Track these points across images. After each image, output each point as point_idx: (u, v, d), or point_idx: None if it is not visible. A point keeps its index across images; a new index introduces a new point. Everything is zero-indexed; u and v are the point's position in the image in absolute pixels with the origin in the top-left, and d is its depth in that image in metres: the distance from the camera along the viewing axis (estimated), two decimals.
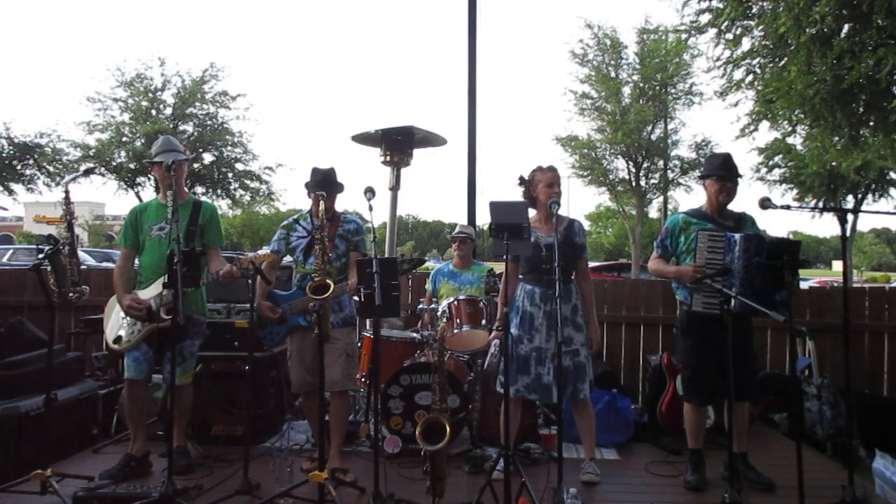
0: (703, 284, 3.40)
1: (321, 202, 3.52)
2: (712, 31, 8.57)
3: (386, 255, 5.04)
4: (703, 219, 3.64)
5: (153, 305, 3.58)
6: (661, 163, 22.13)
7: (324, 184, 3.69)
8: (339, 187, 3.80)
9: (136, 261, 3.81)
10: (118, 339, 3.63)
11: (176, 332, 3.25)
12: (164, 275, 3.49)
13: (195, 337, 3.76)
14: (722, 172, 3.59)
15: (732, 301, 3.20)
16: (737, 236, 3.39)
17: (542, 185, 3.66)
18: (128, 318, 3.61)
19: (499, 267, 3.70)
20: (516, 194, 3.75)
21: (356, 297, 3.42)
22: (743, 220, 3.67)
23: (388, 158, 5.55)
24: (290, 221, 3.90)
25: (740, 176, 3.68)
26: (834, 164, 16.33)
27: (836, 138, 8.95)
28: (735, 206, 3.70)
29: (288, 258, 3.92)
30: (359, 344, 4.19)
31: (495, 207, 3.14)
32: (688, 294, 3.58)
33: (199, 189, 20.97)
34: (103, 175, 19.80)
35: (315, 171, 3.78)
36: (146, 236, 3.74)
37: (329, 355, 3.50)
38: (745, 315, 3.47)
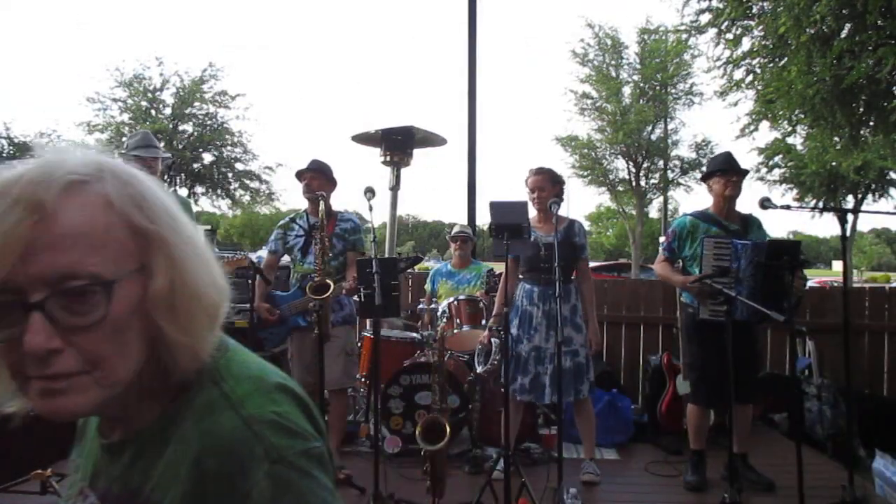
0: (708, 292, 3.37)
1: (321, 202, 3.51)
2: (712, 31, 8.58)
3: (386, 256, 5.04)
4: (710, 221, 3.61)
5: None
6: (661, 163, 22.11)
7: (315, 171, 3.72)
8: (328, 170, 3.81)
9: None
10: None
11: None
12: None
13: None
14: (725, 167, 3.60)
15: (738, 307, 3.19)
16: (744, 244, 3.34)
17: (527, 188, 3.72)
18: None
19: (499, 267, 3.70)
20: (516, 194, 3.77)
21: (356, 297, 3.42)
22: (750, 223, 3.64)
23: (388, 158, 5.53)
24: (287, 221, 3.90)
25: (746, 171, 3.67)
26: (834, 164, 16.34)
27: (836, 138, 8.95)
28: (738, 206, 3.70)
29: (286, 258, 3.92)
30: (359, 344, 4.18)
31: (495, 207, 3.14)
32: (693, 298, 3.57)
33: (199, 189, 20.97)
34: None
35: (311, 162, 3.82)
36: None
37: (328, 354, 3.49)
38: (753, 322, 3.45)
